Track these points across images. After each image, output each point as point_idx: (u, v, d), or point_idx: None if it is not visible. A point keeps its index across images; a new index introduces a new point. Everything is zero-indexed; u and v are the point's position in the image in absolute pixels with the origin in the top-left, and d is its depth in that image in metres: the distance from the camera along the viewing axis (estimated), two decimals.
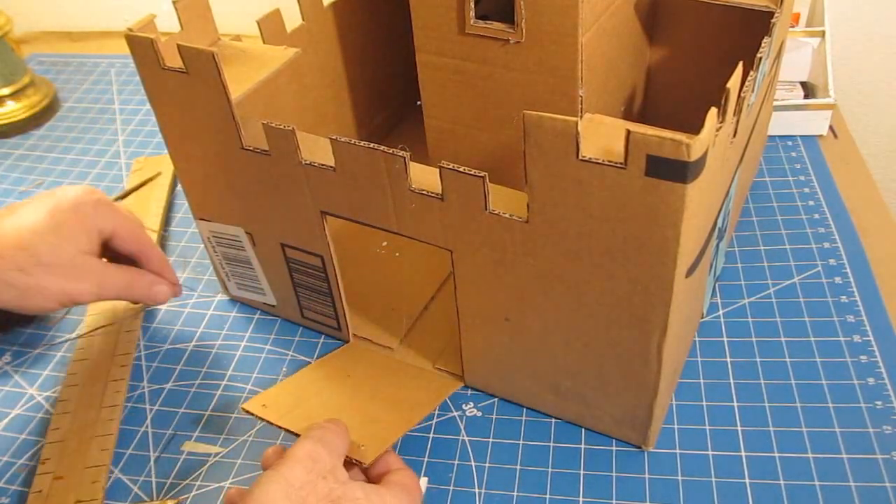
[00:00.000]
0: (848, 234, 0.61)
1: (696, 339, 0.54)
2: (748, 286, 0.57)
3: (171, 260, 0.65)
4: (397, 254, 0.61)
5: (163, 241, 0.67)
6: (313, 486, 0.37)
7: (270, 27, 0.55)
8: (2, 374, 0.57)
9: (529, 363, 0.47)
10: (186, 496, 0.47)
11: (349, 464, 0.42)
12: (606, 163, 0.35)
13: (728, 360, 0.52)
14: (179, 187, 0.71)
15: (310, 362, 0.55)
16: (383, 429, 0.46)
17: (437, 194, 0.41)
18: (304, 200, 0.48)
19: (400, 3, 0.53)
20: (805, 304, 0.55)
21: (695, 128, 0.33)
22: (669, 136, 0.32)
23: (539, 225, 0.39)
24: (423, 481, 0.47)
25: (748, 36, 0.47)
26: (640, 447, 0.47)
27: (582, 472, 0.47)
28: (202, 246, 0.61)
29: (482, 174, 0.39)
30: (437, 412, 0.51)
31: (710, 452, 0.47)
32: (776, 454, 0.46)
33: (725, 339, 0.53)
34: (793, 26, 0.74)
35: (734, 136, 0.42)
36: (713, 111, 0.34)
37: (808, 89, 0.71)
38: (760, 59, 0.43)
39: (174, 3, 0.49)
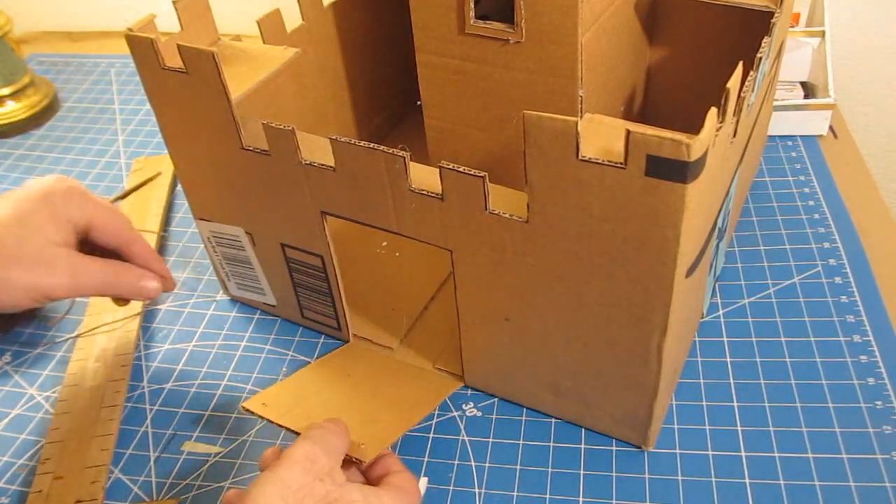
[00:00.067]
0: (848, 234, 0.61)
1: (696, 339, 0.54)
2: (748, 286, 0.57)
3: (170, 260, 0.65)
4: (397, 254, 0.61)
5: (163, 241, 0.67)
6: (310, 489, 0.36)
7: (270, 27, 0.55)
8: (2, 374, 0.57)
9: (529, 363, 0.47)
10: (186, 496, 0.47)
11: (348, 462, 0.42)
12: (606, 163, 0.35)
13: (728, 360, 0.52)
14: (179, 187, 0.71)
15: (310, 362, 0.55)
16: (383, 428, 0.46)
17: (437, 194, 0.41)
18: (304, 200, 0.48)
19: (400, 3, 0.53)
20: (805, 304, 0.55)
21: (695, 128, 0.33)
22: (669, 136, 0.32)
23: (539, 225, 0.39)
24: (423, 481, 0.47)
25: (748, 36, 0.47)
26: (640, 447, 0.47)
27: (582, 472, 0.47)
28: (202, 246, 0.61)
29: (482, 174, 0.39)
30: (437, 412, 0.51)
31: (710, 452, 0.47)
32: (776, 454, 0.46)
33: (725, 339, 0.53)
34: (793, 26, 0.74)
35: (734, 136, 0.42)
36: (713, 111, 0.34)
37: (808, 89, 0.71)
38: (760, 59, 0.43)
39: (174, 3, 0.49)
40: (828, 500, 0.44)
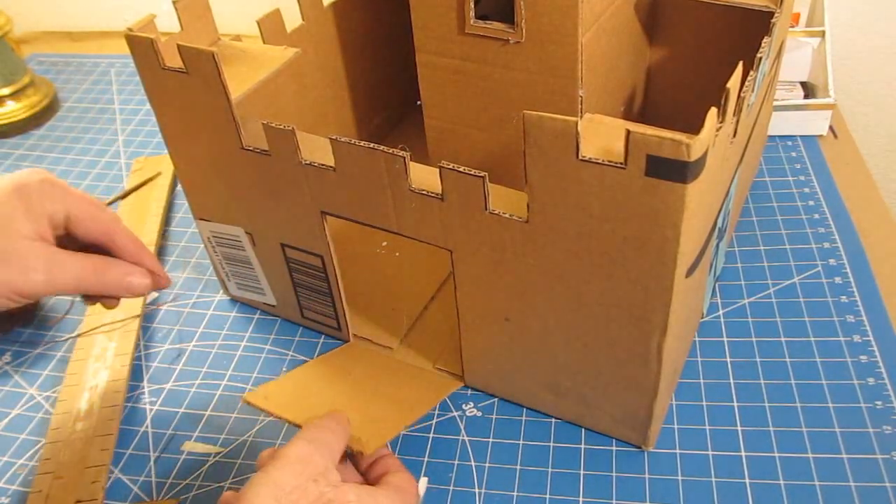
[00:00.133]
0: (848, 234, 0.61)
1: (696, 339, 0.54)
2: (748, 286, 0.57)
3: (170, 260, 0.65)
4: (397, 254, 0.61)
5: (163, 241, 0.67)
6: (304, 490, 0.36)
7: (270, 27, 0.55)
8: (2, 374, 0.57)
9: (529, 363, 0.47)
10: (186, 496, 0.47)
11: (351, 455, 0.41)
12: (606, 163, 0.35)
13: (728, 360, 0.52)
14: (179, 187, 0.71)
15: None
16: (383, 425, 0.45)
17: (437, 194, 0.41)
18: (304, 200, 0.48)
19: (400, 3, 0.53)
20: (805, 304, 0.55)
21: (695, 128, 0.33)
22: (669, 135, 0.32)
23: (539, 225, 0.39)
24: (424, 481, 0.47)
25: (748, 36, 0.47)
26: (640, 447, 0.47)
27: (582, 472, 0.47)
28: (202, 246, 0.61)
29: (482, 174, 0.39)
30: (437, 412, 0.51)
31: (710, 452, 0.47)
32: (776, 454, 0.46)
33: (725, 339, 0.53)
34: (793, 26, 0.74)
35: (734, 136, 0.42)
36: (713, 111, 0.34)
37: (808, 89, 0.71)
38: (760, 59, 0.43)
39: (174, 3, 0.49)
40: (828, 500, 0.44)
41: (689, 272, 0.40)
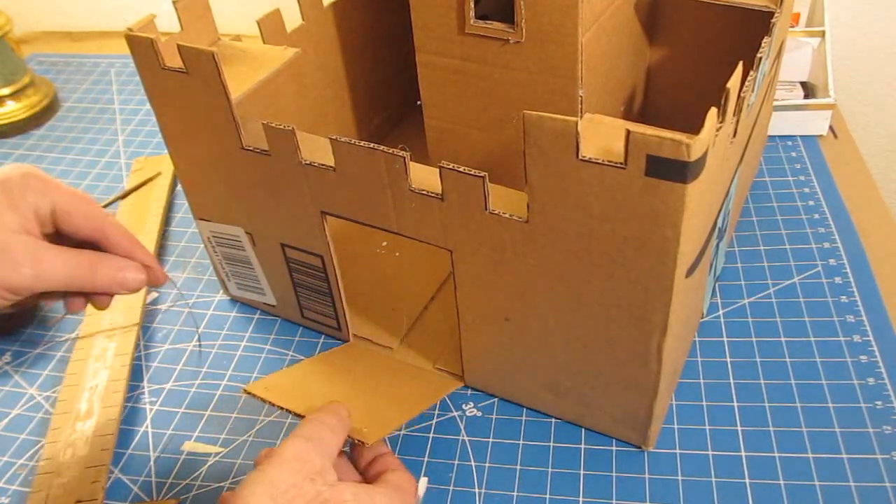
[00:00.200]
0: (848, 234, 0.61)
1: (696, 339, 0.54)
2: (748, 286, 0.57)
3: (170, 260, 0.65)
4: (397, 254, 0.61)
5: (163, 240, 0.67)
6: (299, 489, 0.36)
7: (270, 27, 0.55)
8: (2, 374, 0.57)
9: (529, 363, 0.47)
10: (186, 496, 0.47)
11: (352, 447, 0.41)
12: (606, 163, 0.35)
13: (728, 360, 0.52)
14: (179, 187, 0.71)
15: None
16: (384, 418, 0.45)
17: (437, 194, 0.41)
18: (304, 200, 0.48)
19: (400, 3, 0.53)
20: (805, 304, 0.55)
21: (695, 128, 0.33)
22: (669, 136, 0.32)
23: (539, 225, 0.39)
24: (423, 481, 0.46)
25: (748, 36, 0.47)
26: (640, 447, 0.47)
27: (582, 472, 0.47)
28: (202, 246, 0.61)
29: (482, 174, 0.39)
30: (437, 412, 0.51)
31: (710, 452, 0.47)
32: (776, 454, 0.46)
33: (725, 339, 0.53)
34: (793, 26, 0.74)
35: (734, 136, 0.42)
36: (713, 111, 0.34)
37: (808, 89, 0.71)
38: (760, 59, 0.43)
39: (174, 3, 0.49)
40: (828, 500, 0.44)
41: (689, 272, 0.40)
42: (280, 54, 0.52)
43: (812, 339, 0.53)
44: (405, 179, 0.42)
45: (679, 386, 0.51)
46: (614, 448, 0.48)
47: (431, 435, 0.50)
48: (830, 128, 0.71)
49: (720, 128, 0.36)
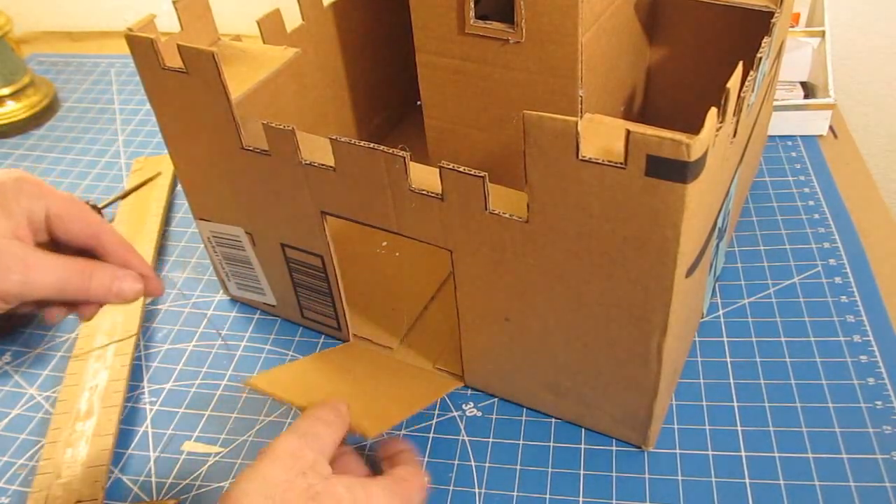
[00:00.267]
0: (848, 234, 0.61)
1: (696, 339, 0.54)
2: (748, 286, 0.57)
3: (170, 260, 0.65)
4: (397, 254, 0.61)
5: (163, 241, 0.67)
6: (291, 484, 0.35)
7: (270, 27, 0.55)
8: (2, 374, 0.57)
9: (529, 363, 0.47)
10: (186, 496, 0.47)
11: (354, 451, 0.42)
12: (606, 163, 0.35)
13: (728, 360, 0.52)
14: (179, 187, 0.71)
15: None
16: (384, 413, 0.46)
17: (437, 194, 0.41)
18: (304, 200, 0.48)
19: (400, 3, 0.53)
20: (805, 304, 0.55)
21: (695, 128, 0.33)
22: (669, 135, 0.32)
23: (539, 225, 0.39)
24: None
25: (748, 36, 0.47)
26: (640, 447, 0.47)
27: (582, 472, 0.47)
28: (202, 246, 0.61)
29: (482, 174, 0.39)
30: (437, 412, 0.51)
31: (710, 452, 0.47)
32: (776, 454, 0.46)
33: (725, 339, 0.53)
34: (793, 26, 0.74)
35: (734, 136, 0.42)
36: (713, 111, 0.34)
37: (808, 89, 0.71)
38: (760, 59, 0.43)
39: (174, 3, 0.49)
40: (828, 500, 0.44)
41: (689, 272, 0.40)
42: (280, 54, 0.52)
43: (812, 339, 0.53)
44: (405, 179, 0.42)
45: (679, 386, 0.51)
46: (614, 448, 0.48)
47: (431, 435, 0.50)
48: (830, 128, 0.71)
49: (720, 128, 0.36)
